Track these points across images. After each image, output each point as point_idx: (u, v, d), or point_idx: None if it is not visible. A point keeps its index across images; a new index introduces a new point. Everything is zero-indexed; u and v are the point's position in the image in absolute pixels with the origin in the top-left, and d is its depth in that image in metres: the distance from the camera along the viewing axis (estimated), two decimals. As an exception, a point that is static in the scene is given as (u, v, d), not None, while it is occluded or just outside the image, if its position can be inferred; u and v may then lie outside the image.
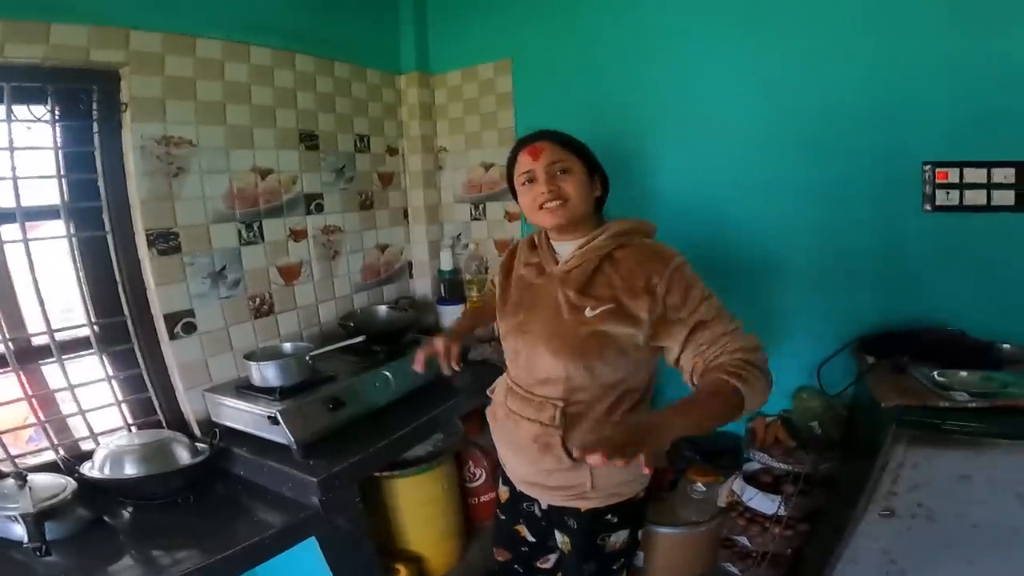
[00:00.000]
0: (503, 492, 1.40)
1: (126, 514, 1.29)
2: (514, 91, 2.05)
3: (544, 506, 1.25)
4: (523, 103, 2.04)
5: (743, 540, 1.62)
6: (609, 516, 1.18)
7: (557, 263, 1.14)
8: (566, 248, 1.14)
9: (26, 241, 1.24)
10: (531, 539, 1.36)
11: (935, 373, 1.27)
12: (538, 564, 1.40)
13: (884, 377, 1.31)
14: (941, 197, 1.49)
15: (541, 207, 1.08)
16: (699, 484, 1.65)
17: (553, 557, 1.39)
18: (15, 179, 1.23)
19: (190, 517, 1.28)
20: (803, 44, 1.56)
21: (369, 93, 2.04)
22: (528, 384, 1.15)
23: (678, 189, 1.78)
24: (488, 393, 1.34)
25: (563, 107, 1.92)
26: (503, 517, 1.40)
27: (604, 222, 1.14)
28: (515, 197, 1.18)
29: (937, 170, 1.48)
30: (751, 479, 1.61)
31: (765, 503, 1.54)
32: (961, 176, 1.47)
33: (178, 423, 1.49)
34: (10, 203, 1.25)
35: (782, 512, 1.51)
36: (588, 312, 1.05)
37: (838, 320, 1.59)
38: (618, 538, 1.20)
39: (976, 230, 1.45)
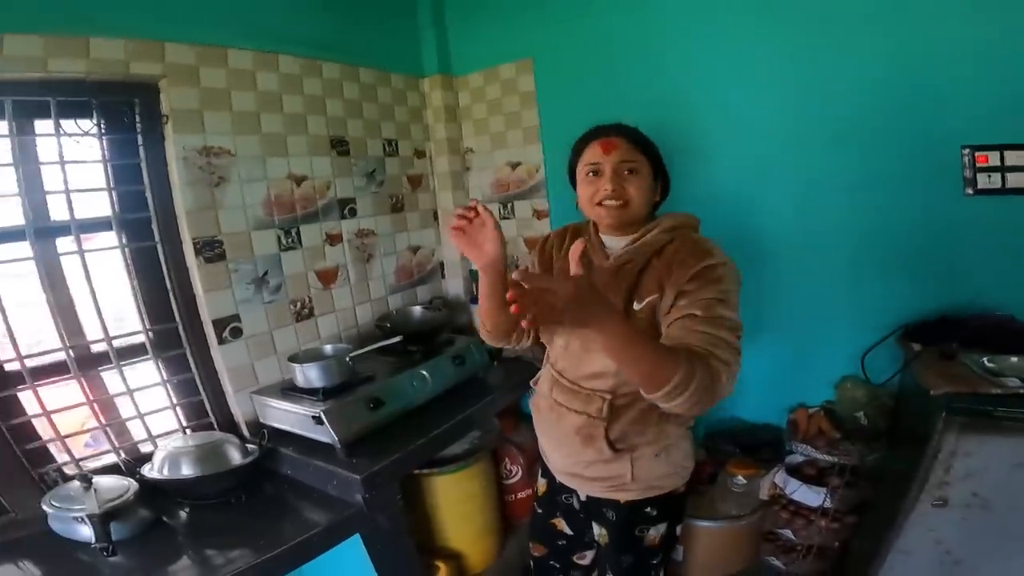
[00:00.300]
0: (541, 484, 1.41)
1: (183, 514, 1.34)
2: (537, 90, 2.05)
3: (583, 497, 1.26)
4: (546, 101, 2.04)
5: (787, 533, 1.60)
6: (648, 509, 1.18)
7: (607, 257, 1.14)
8: (617, 243, 1.14)
9: (82, 253, 1.29)
10: (568, 532, 1.36)
11: (985, 359, 1.23)
12: (575, 559, 1.39)
13: (932, 364, 1.28)
14: (983, 180, 1.45)
15: (601, 203, 1.08)
16: (739, 477, 1.63)
17: (590, 554, 1.39)
18: (67, 192, 1.28)
19: (242, 516, 1.32)
20: (830, 31, 1.53)
21: (394, 97, 2.07)
22: (575, 377, 1.15)
23: (710, 183, 1.75)
24: (532, 384, 1.34)
25: (587, 104, 1.91)
26: (540, 510, 1.41)
27: (654, 217, 1.14)
28: (572, 183, 1.18)
29: (977, 154, 1.44)
30: (794, 471, 1.58)
31: (810, 496, 1.52)
32: (1002, 159, 1.42)
33: (228, 425, 1.54)
34: (64, 216, 1.30)
35: (828, 504, 1.48)
36: (636, 305, 1.05)
37: (882, 308, 1.56)
38: (657, 532, 1.20)
39: (1021, 212, 1.41)
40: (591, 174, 1.09)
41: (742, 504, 1.62)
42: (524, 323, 0.71)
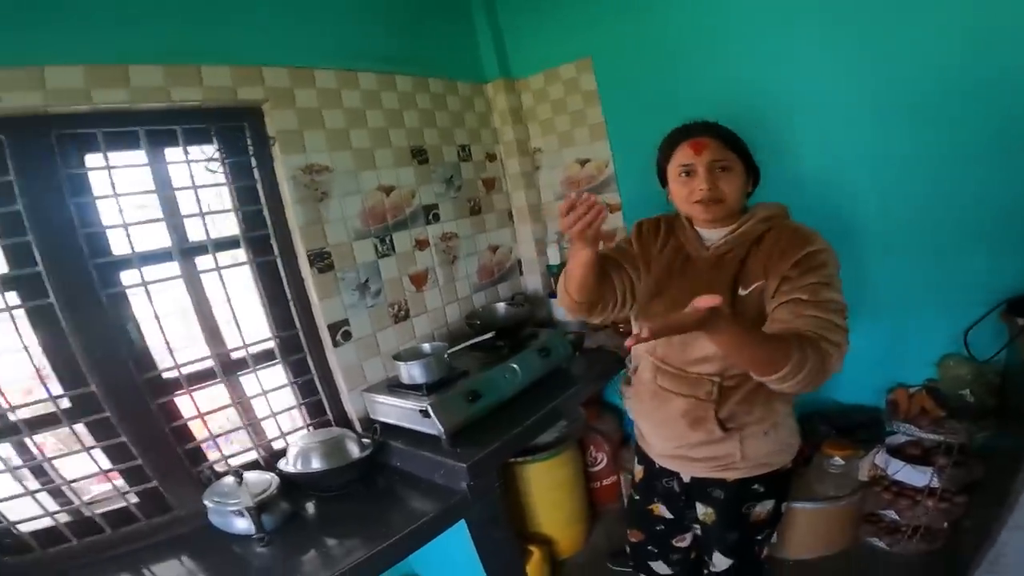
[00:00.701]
0: (638, 471, 1.44)
1: (310, 505, 1.44)
2: (599, 87, 2.07)
3: (686, 479, 1.29)
4: (610, 98, 2.07)
5: (890, 514, 1.58)
6: (756, 486, 1.21)
7: (706, 248, 1.18)
8: (713, 234, 1.18)
9: (219, 269, 1.43)
10: (668, 516, 1.39)
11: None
12: (674, 542, 1.42)
13: (1039, 338, 1.26)
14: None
15: (697, 202, 1.12)
16: (836, 458, 1.63)
17: (689, 536, 1.41)
18: (202, 214, 1.42)
19: (363, 506, 1.42)
20: (905, 4, 1.48)
21: (463, 104, 2.15)
22: (681, 363, 1.19)
23: (789, 168, 1.70)
24: (630, 373, 1.38)
25: (652, 99, 1.92)
26: (637, 497, 1.45)
27: (747, 208, 1.17)
28: (661, 181, 1.22)
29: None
30: (896, 452, 1.56)
31: (915, 476, 1.50)
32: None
33: (342, 421, 1.67)
34: (193, 236, 1.44)
35: (935, 484, 1.46)
36: (741, 291, 1.09)
37: (979, 284, 1.51)
38: (764, 508, 1.23)
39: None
40: (684, 174, 1.13)
41: (840, 485, 1.62)
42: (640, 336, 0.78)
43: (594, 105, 2.10)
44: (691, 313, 0.82)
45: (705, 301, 0.81)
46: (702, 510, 1.28)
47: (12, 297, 1.19)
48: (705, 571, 1.38)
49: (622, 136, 2.08)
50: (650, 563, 1.47)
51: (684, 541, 1.42)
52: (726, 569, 1.28)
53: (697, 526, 1.34)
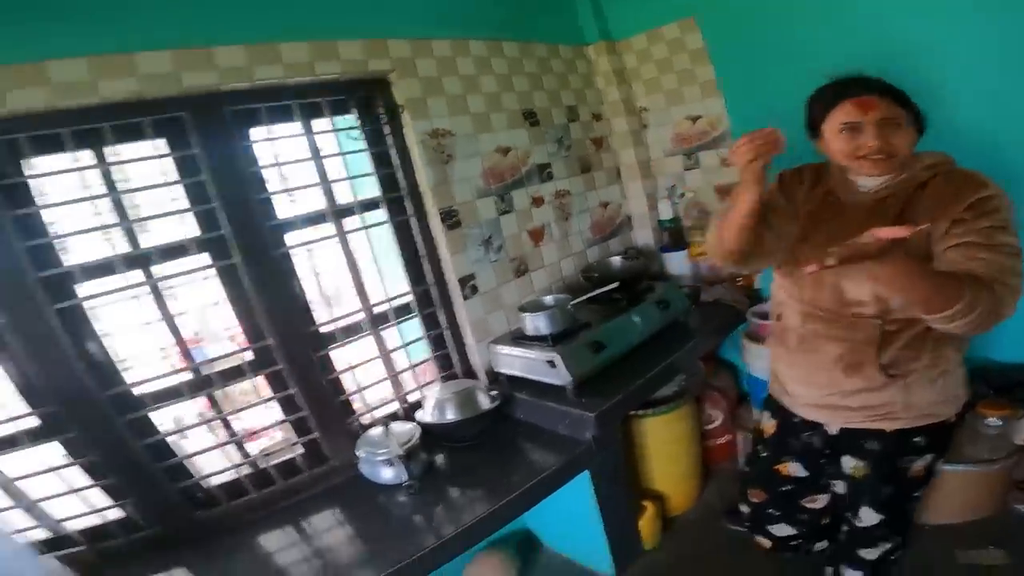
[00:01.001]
0: (769, 426, 1.39)
1: (442, 456, 1.52)
2: (708, 46, 1.99)
3: (833, 431, 1.24)
4: (721, 56, 1.97)
5: (1050, 480, 1.46)
6: (918, 439, 1.15)
7: (862, 193, 1.13)
8: (870, 181, 1.12)
9: (366, 228, 1.55)
10: (799, 475, 1.34)
11: None
12: (803, 503, 1.38)
13: None
14: None
15: (862, 157, 1.07)
16: (992, 419, 1.51)
17: (822, 498, 1.36)
18: (351, 179, 1.54)
19: (493, 455, 1.49)
20: None
21: (567, 67, 2.15)
22: (834, 305, 1.15)
23: (936, 119, 1.55)
24: (774, 320, 1.34)
25: (767, 52, 1.80)
26: (765, 454, 1.40)
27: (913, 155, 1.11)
28: (811, 132, 1.17)
29: None
30: (1063, 412, 1.43)
31: (1084, 438, 1.37)
32: None
33: (468, 374, 1.77)
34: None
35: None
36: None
37: None
38: (924, 462, 1.17)
39: None
40: (847, 131, 1.08)
41: (995, 448, 1.50)
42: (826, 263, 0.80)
43: (703, 63, 2.02)
44: (871, 242, 0.80)
45: (888, 232, 0.79)
46: (851, 463, 1.23)
47: (205, 258, 1.34)
48: (845, 527, 1.32)
49: (738, 91, 1.98)
50: (769, 527, 1.44)
51: (815, 502, 1.38)
52: (875, 524, 1.23)
53: (838, 483, 1.29)
